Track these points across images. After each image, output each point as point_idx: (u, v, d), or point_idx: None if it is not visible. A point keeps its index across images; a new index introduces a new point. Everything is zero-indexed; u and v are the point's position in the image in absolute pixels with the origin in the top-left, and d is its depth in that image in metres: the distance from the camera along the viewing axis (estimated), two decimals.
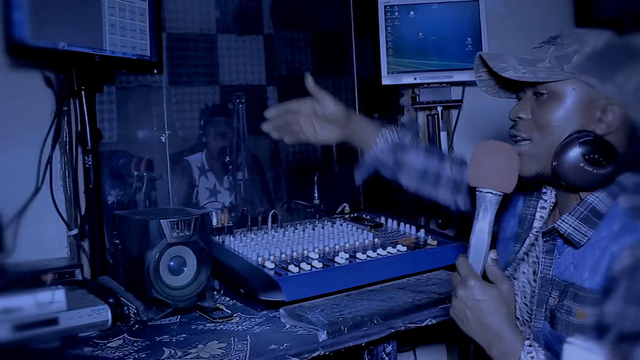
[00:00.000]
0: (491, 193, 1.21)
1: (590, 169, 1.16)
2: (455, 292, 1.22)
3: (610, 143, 1.17)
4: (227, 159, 2.64)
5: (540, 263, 1.32)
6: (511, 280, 1.28)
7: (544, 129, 1.22)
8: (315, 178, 2.44)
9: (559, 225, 1.23)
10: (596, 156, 1.16)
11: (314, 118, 1.67)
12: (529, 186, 1.40)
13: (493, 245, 1.25)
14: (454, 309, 1.24)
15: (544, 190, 1.38)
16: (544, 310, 1.28)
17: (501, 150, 1.23)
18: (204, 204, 2.52)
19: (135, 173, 2.39)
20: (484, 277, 1.23)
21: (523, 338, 1.18)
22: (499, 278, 1.21)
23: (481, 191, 1.23)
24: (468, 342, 1.25)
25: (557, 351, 1.22)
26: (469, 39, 2.45)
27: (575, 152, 1.17)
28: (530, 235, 1.37)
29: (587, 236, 1.19)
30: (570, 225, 1.21)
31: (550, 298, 1.27)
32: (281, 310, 1.58)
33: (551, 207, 1.37)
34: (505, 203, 1.41)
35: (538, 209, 1.38)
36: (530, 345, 1.17)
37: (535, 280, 1.34)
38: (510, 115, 1.29)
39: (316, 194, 2.43)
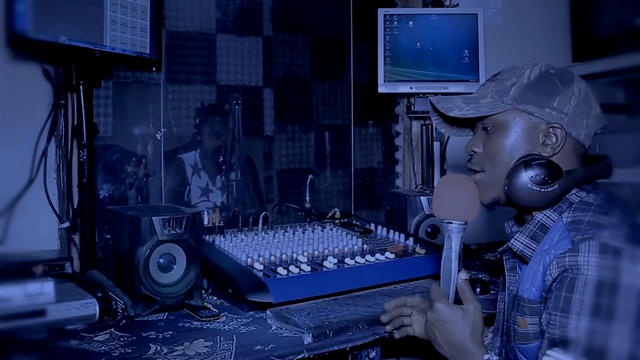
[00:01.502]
0: (453, 223, 1.31)
1: (538, 189, 1.23)
2: (426, 315, 1.36)
3: (554, 162, 1.25)
4: (221, 159, 2.65)
5: (507, 281, 1.40)
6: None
7: (494, 159, 1.31)
8: (308, 182, 2.46)
9: (512, 244, 1.31)
10: (541, 176, 1.23)
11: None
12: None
13: None
14: (426, 331, 1.39)
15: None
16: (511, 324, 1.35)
17: (460, 183, 1.34)
18: (196, 203, 2.52)
19: (129, 169, 2.39)
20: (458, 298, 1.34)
21: (484, 352, 1.27)
22: (467, 298, 1.32)
23: (444, 222, 1.33)
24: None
25: None
26: (466, 51, 2.47)
27: (522, 175, 1.24)
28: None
29: (535, 251, 1.27)
30: (522, 243, 1.29)
31: (513, 312, 1.33)
32: (268, 312, 1.59)
33: None
34: None
35: None
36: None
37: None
38: (466, 151, 1.38)
39: (307, 198, 2.44)
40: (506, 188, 1.27)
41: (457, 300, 1.34)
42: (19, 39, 1.60)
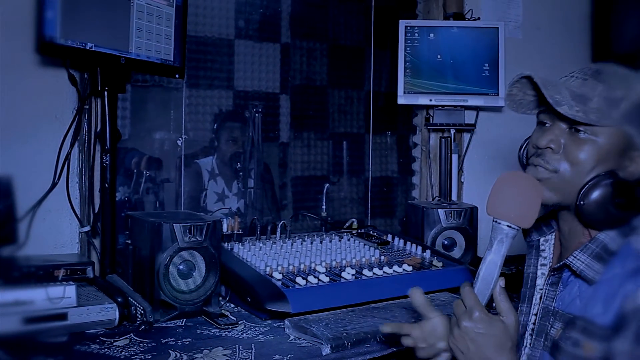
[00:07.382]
0: (509, 226, 1.20)
1: (615, 211, 1.18)
2: (459, 323, 1.19)
3: (635, 189, 1.19)
4: (239, 165, 2.66)
5: (543, 294, 1.33)
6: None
7: (575, 165, 1.21)
8: (325, 190, 2.46)
9: (571, 262, 1.23)
10: (623, 200, 1.17)
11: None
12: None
13: None
14: (455, 340, 1.20)
15: (542, 247, 1.40)
16: (542, 339, 1.30)
17: (525, 184, 1.22)
18: (215, 210, 2.53)
19: (147, 173, 2.41)
20: (488, 306, 1.22)
21: None
22: (506, 310, 1.20)
23: (499, 223, 1.20)
24: None
25: None
26: (486, 64, 2.47)
27: (606, 195, 1.18)
28: (536, 293, 1.37)
29: (599, 273, 1.20)
30: (583, 262, 1.21)
31: (552, 329, 1.27)
32: (286, 321, 1.60)
33: (550, 263, 1.38)
34: None
35: (539, 267, 1.39)
36: None
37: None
38: (539, 144, 1.24)
39: (324, 206, 2.44)
40: (582, 202, 1.19)
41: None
42: (48, 44, 1.62)
